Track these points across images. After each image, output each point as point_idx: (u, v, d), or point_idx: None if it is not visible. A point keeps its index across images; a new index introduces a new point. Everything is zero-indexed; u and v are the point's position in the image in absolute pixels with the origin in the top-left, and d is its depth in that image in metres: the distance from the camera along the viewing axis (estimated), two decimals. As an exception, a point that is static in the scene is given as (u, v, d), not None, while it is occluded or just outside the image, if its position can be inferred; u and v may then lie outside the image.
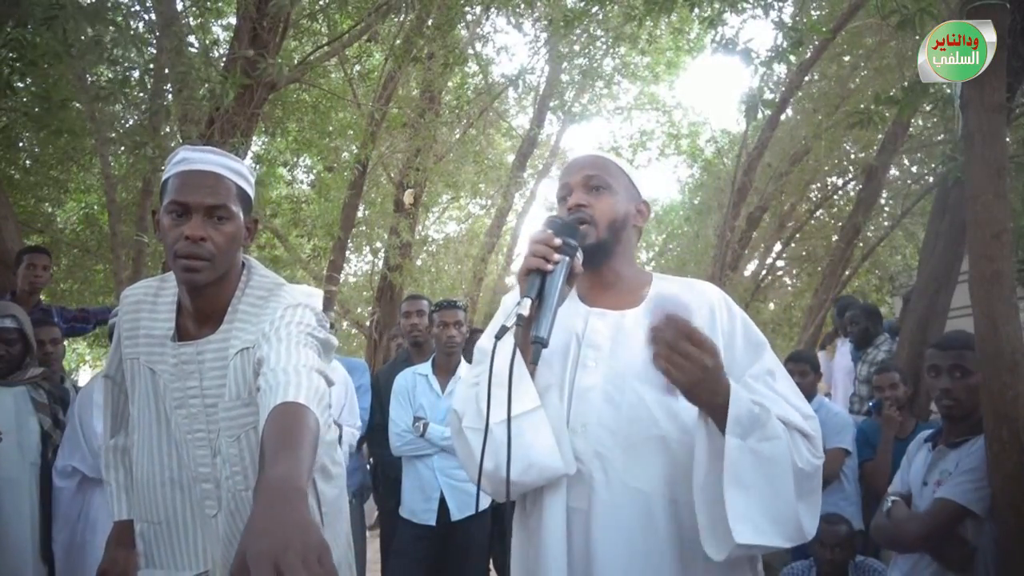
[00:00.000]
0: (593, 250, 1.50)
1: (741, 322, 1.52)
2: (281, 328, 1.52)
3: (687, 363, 1.26)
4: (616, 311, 1.53)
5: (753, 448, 1.32)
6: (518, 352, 1.37)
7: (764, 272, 11.56)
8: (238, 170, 1.63)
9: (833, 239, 10.02)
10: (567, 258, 1.40)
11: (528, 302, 1.33)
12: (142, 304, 1.72)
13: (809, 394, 3.99)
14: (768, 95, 6.70)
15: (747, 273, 11.26)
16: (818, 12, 8.12)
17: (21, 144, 8.07)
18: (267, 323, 1.56)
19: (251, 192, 1.67)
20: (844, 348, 5.56)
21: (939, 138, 7.74)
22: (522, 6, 7.17)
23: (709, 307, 1.51)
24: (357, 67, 8.35)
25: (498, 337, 1.34)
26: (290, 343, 1.47)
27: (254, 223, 1.70)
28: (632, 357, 1.45)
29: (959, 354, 2.43)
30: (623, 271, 1.58)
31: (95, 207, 10.27)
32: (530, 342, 1.33)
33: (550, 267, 1.37)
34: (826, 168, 9.76)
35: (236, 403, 1.61)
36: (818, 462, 1.40)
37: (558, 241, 1.39)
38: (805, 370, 4.02)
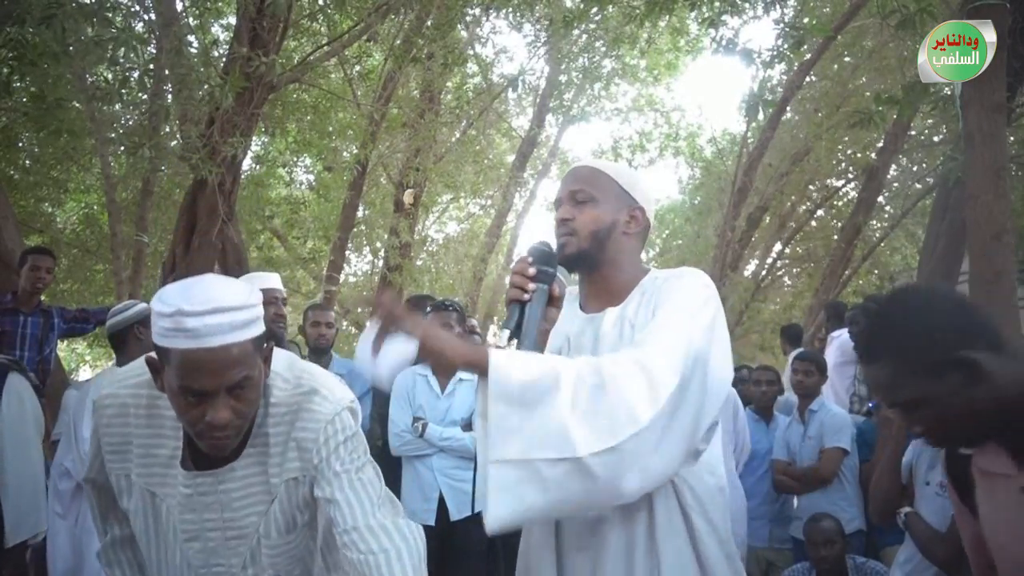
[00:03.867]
0: (576, 260, 1.58)
1: (667, 292, 1.51)
2: (334, 461, 1.42)
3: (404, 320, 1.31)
4: (600, 312, 1.60)
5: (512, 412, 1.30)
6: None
7: (764, 272, 11.56)
8: (249, 318, 1.33)
9: (833, 239, 10.02)
10: (544, 285, 1.48)
11: (506, 333, 1.43)
12: (130, 415, 1.45)
13: (814, 393, 4.00)
14: (768, 95, 6.71)
15: (747, 273, 11.27)
16: (819, 12, 8.12)
17: (21, 144, 8.08)
18: (313, 451, 1.42)
19: (261, 318, 1.39)
20: (832, 347, 5.57)
21: (939, 138, 7.75)
22: (522, 7, 7.16)
23: (655, 285, 1.55)
24: (357, 67, 8.35)
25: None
26: (355, 486, 1.42)
27: (270, 351, 1.44)
28: (608, 352, 1.51)
29: None
30: (616, 276, 1.61)
31: (95, 207, 10.27)
32: None
33: (526, 296, 1.46)
34: (827, 168, 9.76)
35: (278, 537, 1.48)
36: (618, 377, 1.32)
37: (532, 271, 1.47)
38: (811, 370, 4.02)
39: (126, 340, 3.22)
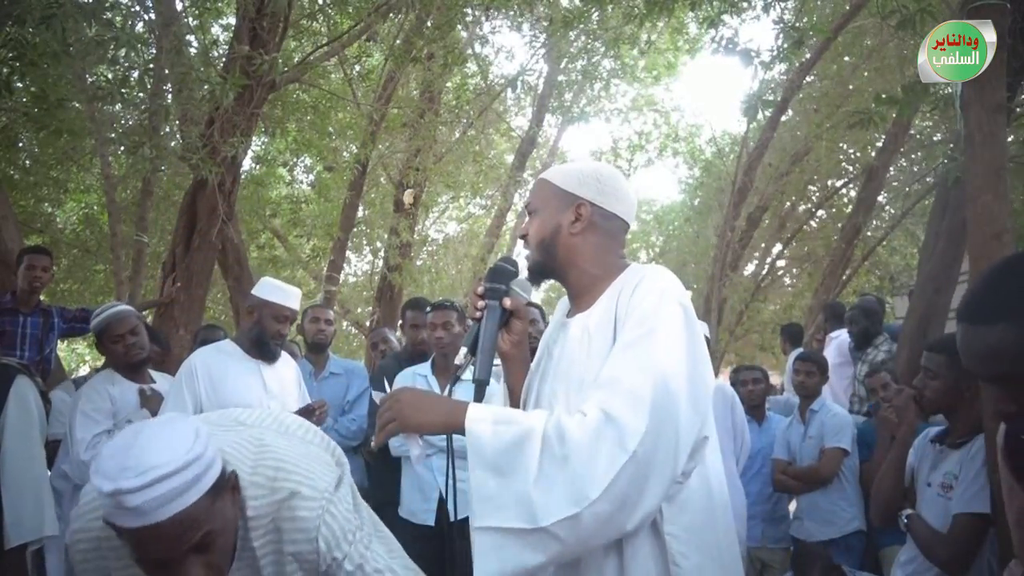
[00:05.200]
0: (535, 271, 1.66)
1: (638, 306, 1.46)
2: (341, 556, 1.42)
3: (381, 419, 1.45)
4: (571, 319, 1.63)
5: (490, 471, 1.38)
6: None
7: (764, 272, 11.56)
8: (198, 473, 1.23)
9: (833, 239, 10.02)
10: (494, 302, 1.57)
11: (463, 351, 1.55)
12: (103, 548, 1.38)
13: (815, 393, 4.00)
14: (768, 95, 6.71)
15: (747, 273, 11.26)
16: (819, 12, 8.12)
17: (21, 144, 8.06)
18: (317, 562, 1.41)
19: (214, 460, 1.31)
20: (831, 347, 5.58)
21: (939, 138, 7.75)
22: (521, 7, 7.16)
23: (625, 296, 1.50)
24: (357, 67, 8.34)
25: (451, 385, 1.63)
26: (366, 558, 1.46)
27: (235, 479, 1.36)
28: (568, 362, 1.56)
29: (927, 357, 2.51)
30: (579, 278, 1.61)
31: (95, 207, 10.27)
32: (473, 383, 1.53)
33: (477, 314, 1.57)
34: (827, 168, 9.76)
35: None
36: (582, 437, 1.34)
37: (480, 290, 1.59)
38: (812, 370, 4.03)
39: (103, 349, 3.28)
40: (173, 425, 1.29)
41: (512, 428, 1.36)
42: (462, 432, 1.39)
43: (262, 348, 3.07)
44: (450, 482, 1.58)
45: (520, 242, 1.69)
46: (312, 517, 1.38)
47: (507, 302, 1.58)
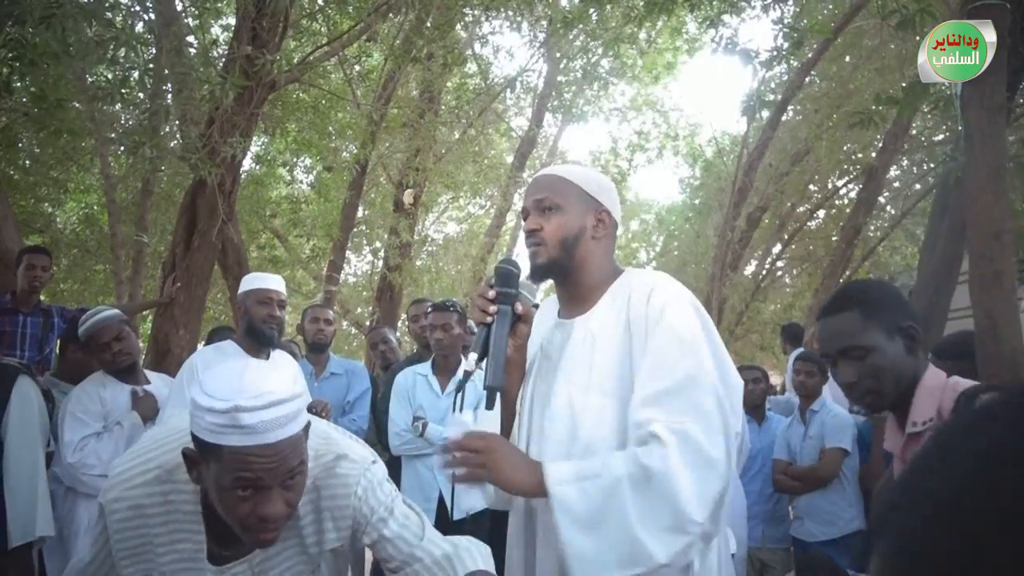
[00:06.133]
0: (547, 268, 1.61)
1: (658, 311, 1.48)
2: (373, 515, 1.43)
3: (468, 462, 1.44)
4: (570, 320, 1.63)
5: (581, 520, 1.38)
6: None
7: (764, 272, 11.56)
8: (300, 407, 1.31)
9: (833, 239, 10.02)
10: (506, 306, 1.54)
11: (473, 357, 1.51)
12: (146, 515, 1.37)
13: (815, 393, 4.00)
14: (769, 95, 6.71)
15: (747, 273, 11.26)
16: (818, 12, 8.12)
17: (21, 144, 8.07)
18: (352, 519, 1.43)
19: (306, 403, 1.42)
20: None
21: (939, 138, 7.75)
22: (521, 7, 7.16)
23: (636, 299, 1.52)
24: (357, 67, 8.35)
25: (457, 390, 1.56)
26: (399, 520, 1.46)
27: (308, 428, 1.38)
28: (572, 363, 1.55)
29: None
30: (586, 281, 1.63)
31: (95, 207, 10.28)
32: (484, 389, 1.49)
33: (488, 319, 1.53)
34: (827, 168, 9.76)
35: None
36: (659, 468, 1.36)
37: (492, 293, 1.54)
38: (813, 371, 4.03)
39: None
40: (276, 365, 1.36)
41: (598, 482, 1.37)
42: (544, 496, 1.39)
43: (256, 335, 3.04)
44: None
45: (522, 239, 1.67)
46: (354, 475, 1.43)
47: (519, 307, 1.56)
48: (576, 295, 1.64)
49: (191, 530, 1.37)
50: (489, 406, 1.50)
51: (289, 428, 1.25)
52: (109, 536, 1.38)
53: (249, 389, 1.22)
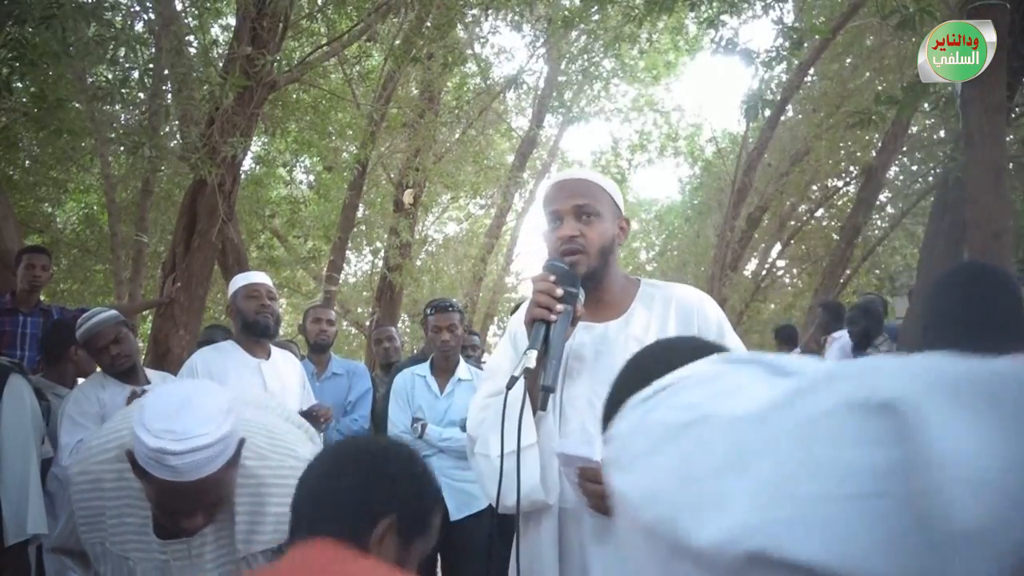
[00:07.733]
0: (587, 277, 1.57)
1: (716, 325, 1.63)
2: None
3: (593, 493, 1.40)
4: (601, 324, 1.63)
5: None
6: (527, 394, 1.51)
7: (764, 272, 11.56)
8: (226, 447, 1.37)
9: (833, 239, 10.02)
10: (570, 307, 1.48)
11: (534, 354, 1.42)
12: (102, 488, 1.49)
13: None
14: (768, 95, 6.71)
15: (747, 273, 11.26)
16: (818, 12, 8.12)
17: (21, 144, 8.07)
18: (287, 523, 1.42)
19: (235, 438, 1.42)
20: (833, 348, 5.56)
21: (939, 138, 7.75)
22: (521, 7, 7.16)
23: (687, 310, 1.63)
24: (357, 67, 8.35)
25: (508, 387, 1.44)
26: None
27: (240, 447, 1.44)
28: (613, 365, 1.53)
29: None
30: (611, 287, 1.66)
31: (95, 207, 10.28)
32: (539, 389, 1.43)
33: (553, 317, 1.46)
34: (827, 168, 9.76)
35: None
36: None
37: (560, 292, 1.47)
38: None
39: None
40: (212, 396, 1.41)
41: None
42: None
43: (252, 329, 3.06)
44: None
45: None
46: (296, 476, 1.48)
47: (579, 308, 1.51)
48: (601, 300, 1.64)
49: (140, 506, 1.47)
50: (543, 407, 1.46)
51: (209, 468, 1.33)
52: (72, 504, 1.51)
53: (178, 430, 1.30)
